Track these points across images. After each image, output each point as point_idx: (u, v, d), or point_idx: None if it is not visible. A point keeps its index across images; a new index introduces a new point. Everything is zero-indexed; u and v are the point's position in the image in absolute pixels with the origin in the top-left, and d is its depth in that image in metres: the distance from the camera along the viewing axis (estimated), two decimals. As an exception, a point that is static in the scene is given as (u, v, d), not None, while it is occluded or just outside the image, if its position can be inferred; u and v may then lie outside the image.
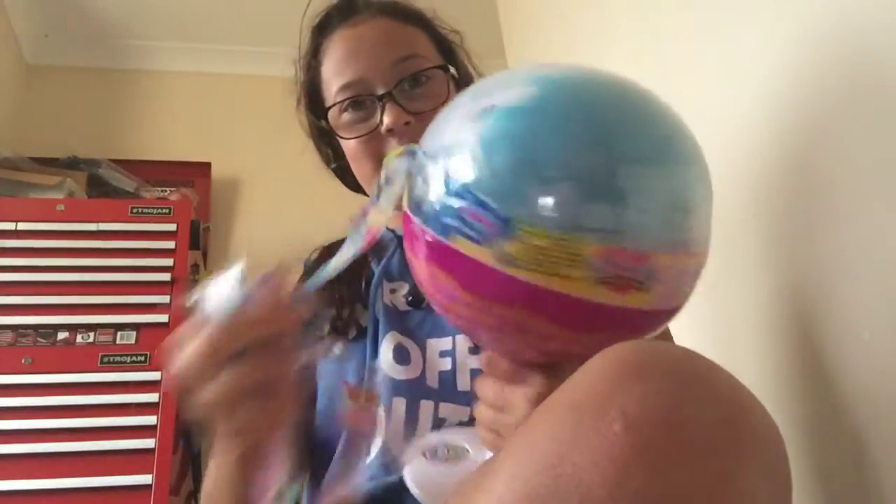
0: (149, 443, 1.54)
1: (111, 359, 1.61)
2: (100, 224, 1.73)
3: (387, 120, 0.66)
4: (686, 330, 0.89)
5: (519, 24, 1.70)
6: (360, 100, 0.69)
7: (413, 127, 0.66)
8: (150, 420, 1.56)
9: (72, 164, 2.08)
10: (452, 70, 0.72)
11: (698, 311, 0.87)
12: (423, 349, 0.67)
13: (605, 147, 0.40)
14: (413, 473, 0.56)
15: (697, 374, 0.34)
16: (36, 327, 1.61)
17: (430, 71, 0.69)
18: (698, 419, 0.31)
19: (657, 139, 0.42)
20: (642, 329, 0.44)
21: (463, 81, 0.75)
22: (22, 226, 1.71)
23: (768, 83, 0.71)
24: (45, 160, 2.08)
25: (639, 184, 0.39)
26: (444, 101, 0.65)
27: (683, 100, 0.89)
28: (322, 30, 0.74)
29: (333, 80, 0.71)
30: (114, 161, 2.16)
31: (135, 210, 1.79)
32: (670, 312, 0.45)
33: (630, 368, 0.33)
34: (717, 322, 0.83)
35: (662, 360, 0.34)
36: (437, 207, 0.41)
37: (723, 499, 0.31)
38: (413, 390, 0.64)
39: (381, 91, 0.67)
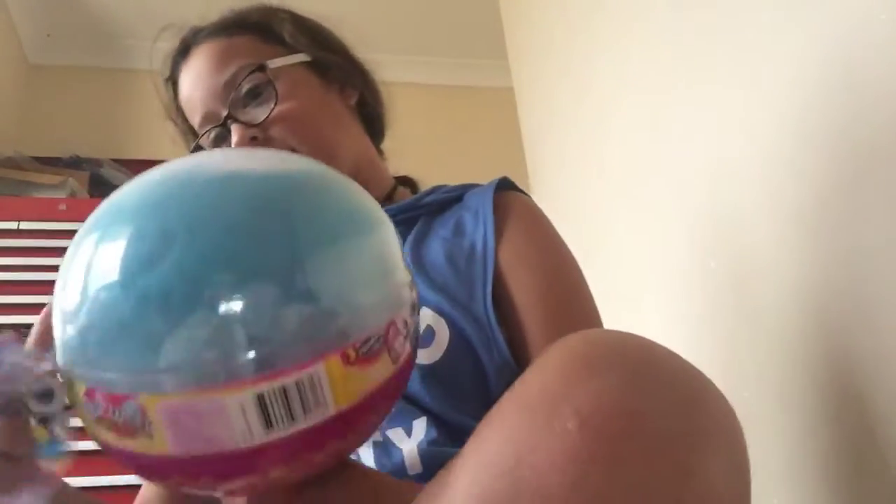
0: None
1: (112, 358, 1.61)
2: (101, 223, 1.74)
3: (233, 144, 0.65)
4: (689, 327, 0.89)
5: (520, 25, 1.70)
6: (219, 133, 0.68)
7: (265, 138, 0.65)
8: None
9: (74, 164, 2.08)
10: (284, 60, 0.68)
11: (702, 309, 0.87)
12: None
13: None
14: None
15: (650, 363, 0.33)
16: (37, 327, 1.61)
17: (257, 76, 0.66)
18: (653, 410, 0.31)
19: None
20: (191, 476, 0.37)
21: (323, 62, 0.71)
22: (24, 225, 1.71)
23: (771, 80, 0.71)
24: (47, 159, 2.08)
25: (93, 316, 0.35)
26: (282, 97, 0.65)
27: (694, 100, 0.89)
28: (171, 77, 0.75)
29: (193, 122, 0.71)
30: (116, 160, 2.16)
31: (136, 209, 1.78)
32: (217, 457, 0.35)
33: (581, 363, 0.33)
34: (720, 321, 0.83)
35: (613, 351, 0.33)
36: None
37: (684, 488, 0.30)
38: None
39: (224, 115, 0.67)
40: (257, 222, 0.36)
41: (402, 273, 0.42)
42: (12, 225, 1.70)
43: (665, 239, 0.97)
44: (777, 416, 0.68)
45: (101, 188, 2.06)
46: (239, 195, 0.37)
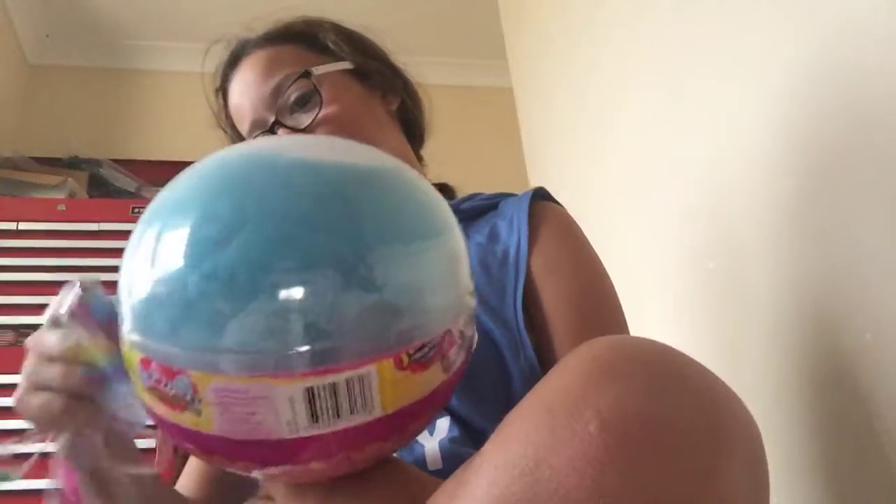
0: (149, 441, 1.54)
1: (112, 358, 1.60)
2: (101, 224, 1.73)
3: None
4: (689, 328, 0.89)
5: (520, 25, 1.70)
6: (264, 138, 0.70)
7: None
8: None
9: (73, 164, 2.08)
10: (329, 67, 0.70)
11: (701, 310, 0.87)
12: None
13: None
14: None
15: (672, 369, 0.34)
16: (37, 327, 1.60)
17: (302, 83, 0.68)
18: (674, 415, 0.31)
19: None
20: (259, 459, 0.37)
21: (365, 71, 0.74)
22: (23, 225, 1.71)
23: (771, 80, 0.71)
24: (47, 160, 2.08)
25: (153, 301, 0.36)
26: (326, 102, 0.67)
27: (688, 101, 0.89)
28: (221, 87, 0.77)
29: (241, 129, 0.73)
30: (115, 161, 2.16)
31: (136, 210, 1.78)
32: (260, 443, 0.36)
33: (604, 366, 0.33)
34: (720, 322, 0.83)
35: (636, 356, 0.34)
36: None
37: (703, 494, 0.30)
38: None
39: (271, 121, 0.69)
40: (328, 213, 0.36)
41: (467, 280, 0.41)
42: (11, 225, 1.70)
43: (664, 240, 0.97)
44: (777, 416, 0.68)
45: (100, 188, 2.06)
46: (312, 183, 0.37)
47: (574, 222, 0.69)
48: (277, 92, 0.69)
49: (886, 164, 0.56)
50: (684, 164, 0.91)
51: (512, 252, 0.64)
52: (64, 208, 1.75)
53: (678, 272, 0.93)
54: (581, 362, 0.34)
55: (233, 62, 0.75)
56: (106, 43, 2.42)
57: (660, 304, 0.97)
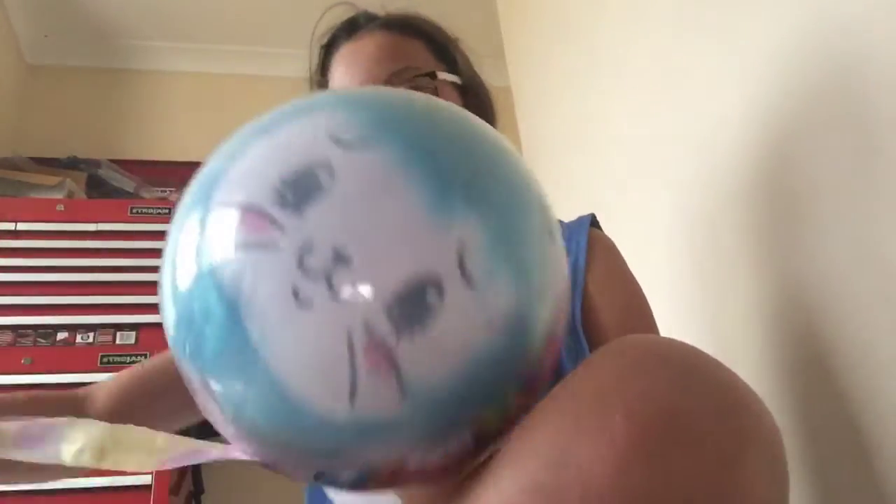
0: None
1: (111, 359, 1.61)
2: (99, 224, 1.73)
3: None
4: (684, 330, 0.89)
5: (519, 25, 1.70)
6: None
7: None
8: (150, 420, 1.56)
9: (71, 164, 2.08)
10: (447, 76, 0.73)
11: (696, 311, 0.87)
12: None
13: None
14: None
15: (698, 367, 0.34)
16: (35, 327, 1.60)
17: (423, 80, 0.70)
18: (699, 410, 0.32)
19: None
20: None
21: (467, 88, 0.76)
22: (21, 226, 1.71)
23: (761, 84, 0.71)
24: (45, 160, 2.08)
25: None
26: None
27: (679, 102, 0.89)
28: (328, 47, 0.76)
29: None
30: (114, 161, 2.16)
31: (134, 210, 1.79)
32: None
33: (631, 362, 0.34)
34: (714, 322, 0.83)
35: (663, 353, 0.35)
36: None
37: (724, 488, 0.31)
38: None
39: None
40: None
41: None
42: (10, 226, 1.70)
43: (661, 239, 0.97)
44: (774, 414, 0.68)
45: (99, 189, 2.06)
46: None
47: (616, 247, 0.76)
48: (395, 77, 0.69)
49: (887, 161, 0.56)
50: (683, 164, 0.91)
51: (570, 270, 0.68)
52: (62, 208, 1.75)
53: (677, 271, 0.93)
54: (609, 358, 0.35)
55: (351, 28, 0.75)
56: (105, 43, 2.42)
57: (657, 304, 0.97)
